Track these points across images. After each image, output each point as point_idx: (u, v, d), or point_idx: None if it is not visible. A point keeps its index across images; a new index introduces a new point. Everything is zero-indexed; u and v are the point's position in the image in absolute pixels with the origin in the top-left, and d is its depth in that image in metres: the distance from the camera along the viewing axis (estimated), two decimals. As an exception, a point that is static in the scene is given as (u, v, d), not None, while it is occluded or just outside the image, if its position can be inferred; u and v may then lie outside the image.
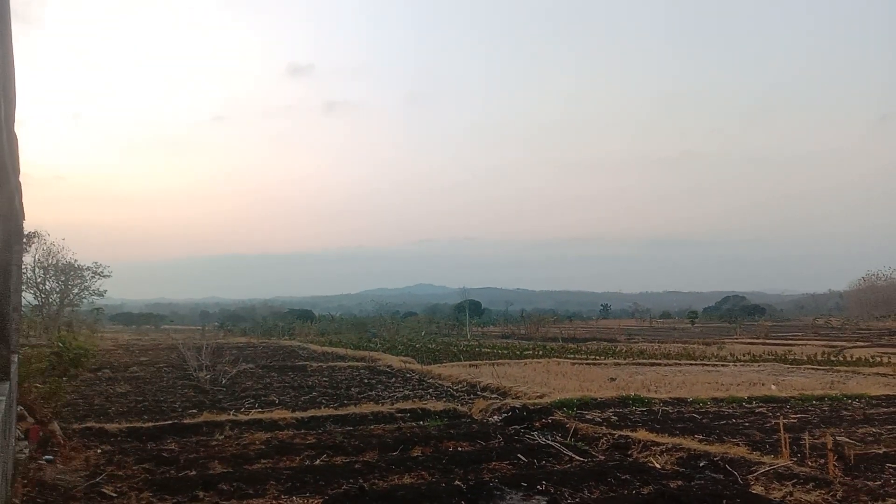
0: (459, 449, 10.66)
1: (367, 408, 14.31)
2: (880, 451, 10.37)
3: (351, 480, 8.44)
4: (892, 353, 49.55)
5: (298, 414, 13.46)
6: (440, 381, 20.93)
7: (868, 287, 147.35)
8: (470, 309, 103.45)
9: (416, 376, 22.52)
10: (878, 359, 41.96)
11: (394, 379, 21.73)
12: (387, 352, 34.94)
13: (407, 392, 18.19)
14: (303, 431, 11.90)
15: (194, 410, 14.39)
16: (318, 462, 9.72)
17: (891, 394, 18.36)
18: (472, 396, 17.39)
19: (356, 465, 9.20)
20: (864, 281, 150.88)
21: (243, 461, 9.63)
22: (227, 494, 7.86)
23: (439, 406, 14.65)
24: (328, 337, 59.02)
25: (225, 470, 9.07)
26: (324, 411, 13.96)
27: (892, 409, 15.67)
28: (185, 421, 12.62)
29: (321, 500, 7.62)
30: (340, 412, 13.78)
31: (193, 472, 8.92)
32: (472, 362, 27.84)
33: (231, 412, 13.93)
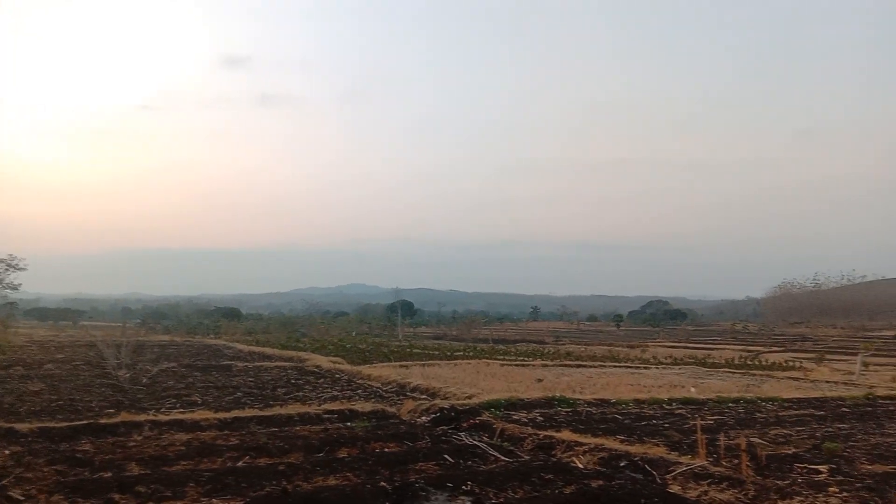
0: (386, 450, 10.62)
1: (293, 408, 14.10)
2: (790, 452, 10.88)
3: (274, 482, 8.29)
4: (804, 358, 52.10)
5: (222, 414, 13.14)
6: (370, 382, 20.81)
7: (783, 295, 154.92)
8: (402, 309, 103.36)
9: (345, 377, 22.34)
10: (791, 363, 44.08)
11: (322, 379, 21.48)
12: (316, 352, 34.51)
13: (335, 393, 18.01)
14: (226, 432, 11.61)
15: (112, 410, 13.86)
16: (240, 464, 9.51)
17: (802, 397, 19.29)
18: (401, 397, 17.36)
19: (280, 467, 9.04)
20: (780, 289, 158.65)
21: (162, 462, 9.33)
22: (144, 497, 7.60)
23: (367, 407, 14.56)
24: (255, 336, 57.91)
25: (143, 472, 8.77)
26: (248, 412, 13.68)
27: (802, 411, 16.45)
28: (101, 421, 12.14)
29: (243, 503, 7.46)
30: (266, 413, 13.52)
31: (109, 474, 8.59)
32: (403, 363, 27.79)
33: (151, 412, 13.49)
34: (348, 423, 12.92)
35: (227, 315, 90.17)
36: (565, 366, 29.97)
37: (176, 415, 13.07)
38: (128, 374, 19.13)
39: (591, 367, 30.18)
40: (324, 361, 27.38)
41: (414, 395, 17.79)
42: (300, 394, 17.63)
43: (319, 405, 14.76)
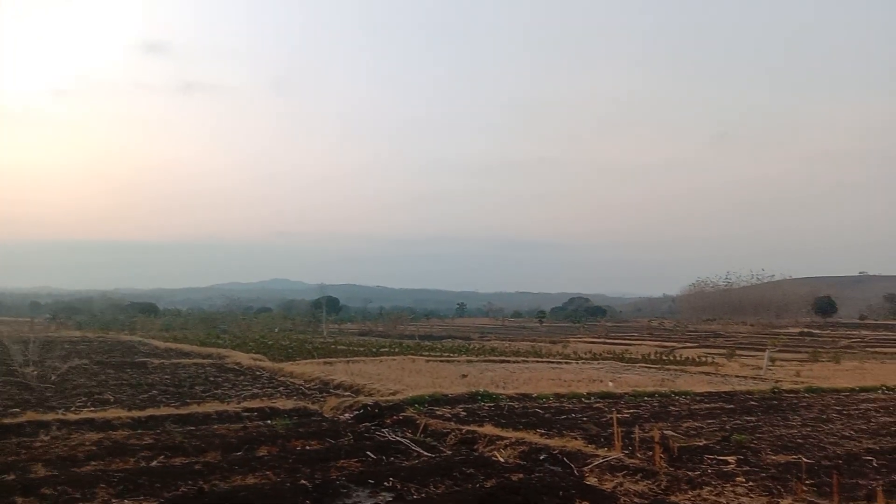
0: (308, 448, 10.49)
1: (211, 407, 13.73)
2: (701, 444, 11.35)
3: (190, 482, 8.06)
4: (716, 354, 54.44)
5: (135, 413, 12.68)
6: (292, 380, 20.50)
7: (697, 293, 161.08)
8: (328, 306, 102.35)
9: (267, 374, 21.94)
10: (704, 358, 45.99)
11: (242, 377, 21.04)
12: (236, 349, 33.74)
13: (256, 390, 17.66)
14: (139, 431, 11.21)
15: (17, 409, 13.15)
16: (154, 463, 9.21)
17: (713, 391, 20.13)
18: (324, 394, 17.18)
19: (196, 466, 8.79)
20: (695, 287, 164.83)
21: (71, 463, 8.93)
22: (51, 499, 7.25)
23: (289, 404, 14.35)
24: (173, 332, 56.12)
25: (49, 473, 8.36)
26: (163, 410, 13.24)
27: (713, 404, 17.18)
28: (4, 421, 11.51)
29: (156, 503, 7.22)
30: (182, 411, 13.13)
31: (12, 476, 8.15)
32: (327, 360, 27.50)
33: (60, 411, 12.86)
34: (269, 421, 12.69)
35: (144, 310, 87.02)
36: (489, 361, 30.31)
37: (86, 414, 12.51)
38: (35, 372, 18.23)
39: (514, 362, 30.63)
40: (244, 358, 26.81)
41: (337, 392, 17.64)
42: (219, 391, 17.20)
43: (239, 403, 14.44)
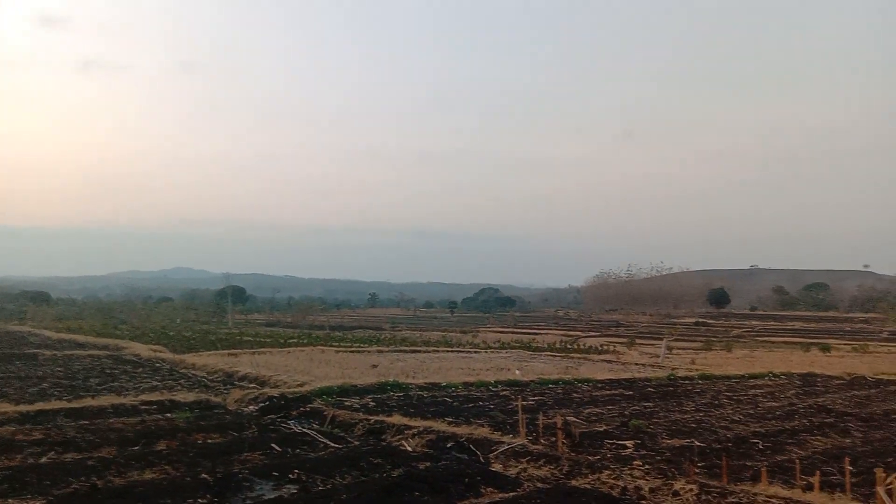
0: (209, 441, 10.18)
1: (106, 400, 13.13)
2: (601, 429, 11.77)
3: (82, 478, 7.67)
4: (617, 342, 56.53)
5: (24, 407, 11.96)
6: (194, 371, 19.89)
7: (601, 283, 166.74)
8: (233, 295, 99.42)
9: (167, 366, 21.21)
10: (606, 347, 47.69)
11: (141, 369, 20.30)
12: (135, 340, 32.48)
13: (155, 383, 17.04)
14: (28, 426, 10.58)
15: None
16: (44, 460, 8.70)
17: (613, 378, 20.91)
18: (228, 387, 16.74)
19: (90, 462, 8.37)
20: (598, 278, 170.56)
21: (-53, 463, 8.32)
22: (-78, 503, 6.75)
23: (190, 397, 13.91)
24: (67, 322, 53.26)
25: (-78, 474, 7.77)
26: (55, 404, 12.55)
27: (613, 391, 17.84)
28: None
29: (45, 502, 6.83)
30: (75, 405, 12.48)
31: None
32: (232, 351, 26.88)
33: (-64, 408, 11.98)
34: (168, 415, 12.27)
35: (35, 299, 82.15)
36: (401, 351, 30.38)
37: (-33, 410, 11.70)
38: None
39: (425, 352, 30.83)
40: (143, 350, 25.83)
41: (242, 384, 17.22)
42: (115, 384, 16.47)
43: (137, 396, 13.87)
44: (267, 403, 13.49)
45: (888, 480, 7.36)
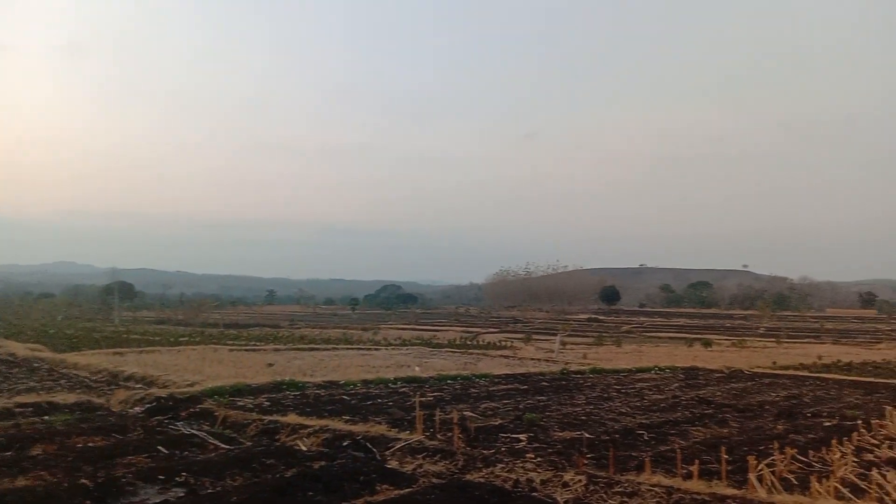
0: (91, 444, 9.64)
1: (-26, 403, 12.21)
2: (497, 423, 11.99)
3: (-58, 490, 7.09)
4: (515, 338, 57.87)
5: None
6: (76, 372, 18.84)
7: (500, 281, 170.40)
8: (121, 291, 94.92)
9: (47, 366, 20.04)
10: (504, 343, 48.72)
11: (17, 369, 19.15)
12: (11, 338, 30.50)
13: (32, 384, 16.04)
14: None
15: None
16: None
17: (510, 373, 21.37)
18: (113, 387, 15.94)
19: (-47, 471, 7.75)
20: (498, 276, 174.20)
21: None
22: None
23: (71, 398, 13.16)
24: (-68, 320, 49.20)
25: None
26: (-87, 410, 11.55)
27: (509, 386, 18.21)
28: None
29: None
30: (-63, 410, 11.53)
31: None
32: (118, 350, 25.67)
33: None
34: (46, 417, 11.54)
35: None
36: (299, 350, 29.88)
37: None
38: None
39: (324, 350, 30.46)
40: (20, 349, 24.31)
41: (128, 384, 16.43)
42: (-14, 386, 15.34)
43: (10, 398, 12.98)
44: (154, 404, 12.93)
45: (759, 467, 7.91)
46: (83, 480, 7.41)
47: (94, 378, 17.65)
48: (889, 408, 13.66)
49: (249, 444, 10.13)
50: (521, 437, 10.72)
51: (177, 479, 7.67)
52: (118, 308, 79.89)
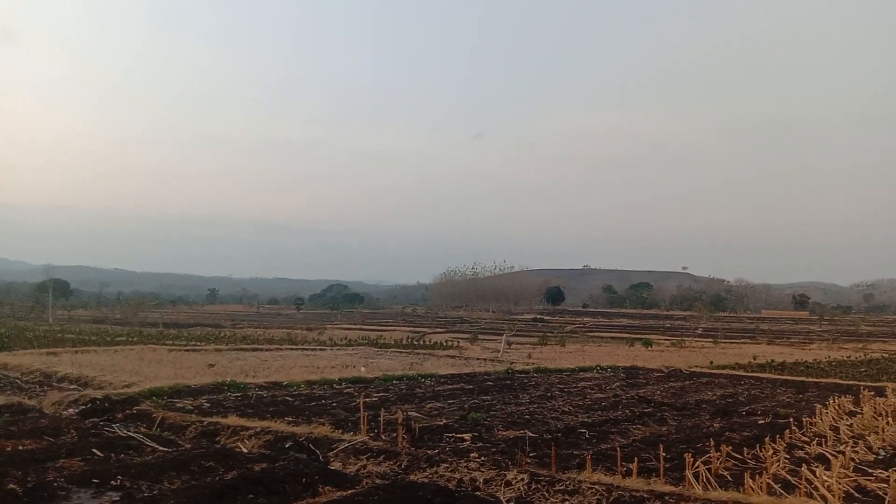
0: (21, 448, 9.28)
1: None
2: (442, 423, 12.02)
3: None
4: (461, 338, 58.10)
5: None
6: (6, 372, 18.12)
7: (447, 281, 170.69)
8: (55, 289, 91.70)
9: (-26, 367, 19.09)
10: (451, 343, 48.82)
11: (-60, 370, 18.11)
12: (-65, 338, 29.01)
13: (-43, 386, 15.30)
14: None
15: None
16: None
17: (456, 372, 21.45)
18: (46, 388, 15.39)
19: None
20: (445, 276, 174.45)
21: None
22: None
23: (0, 400, 12.62)
24: None
25: None
26: None
27: (455, 385, 18.29)
28: None
29: None
30: None
31: None
32: (52, 350, 24.75)
33: None
34: (-29, 421, 11.05)
35: None
36: (241, 350, 29.34)
37: None
38: None
39: (267, 350, 30.00)
40: (-56, 349, 23.12)
41: (62, 385, 15.88)
42: None
43: (-67, 401, 12.38)
44: (89, 406, 12.54)
45: (696, 464, 8.14)
46: (12, 486, 7.14)
47: (26, 379, 17.01)
48: (819, 406, 14.21)
49: (188, 446, 9.91)
50: (466, 436, 10.77)
51: (112, 482, 7.46)
52: (52, 307, 77.13)
